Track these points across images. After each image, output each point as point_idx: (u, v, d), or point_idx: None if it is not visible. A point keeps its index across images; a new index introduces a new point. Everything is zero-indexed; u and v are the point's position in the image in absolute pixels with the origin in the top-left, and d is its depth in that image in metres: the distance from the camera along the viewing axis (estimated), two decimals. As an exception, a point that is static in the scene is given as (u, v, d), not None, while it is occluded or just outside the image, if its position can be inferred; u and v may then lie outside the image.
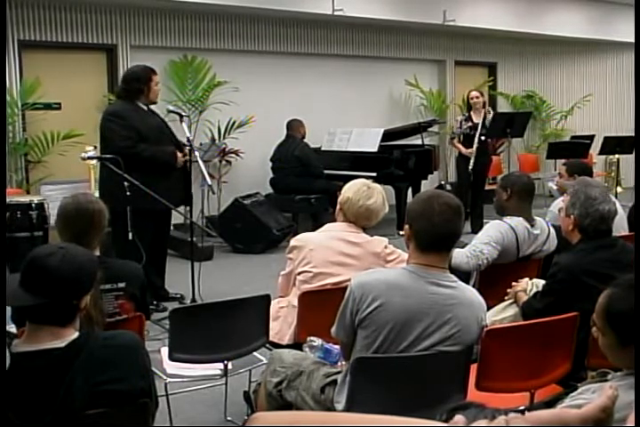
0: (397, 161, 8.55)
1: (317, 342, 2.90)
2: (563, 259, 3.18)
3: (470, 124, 8.47)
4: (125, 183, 4.76)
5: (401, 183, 8.60)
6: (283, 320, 3.46)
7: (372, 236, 3.51)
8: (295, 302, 3.37)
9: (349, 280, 2.63)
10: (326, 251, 3.40)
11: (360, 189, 3.46)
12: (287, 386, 2.82)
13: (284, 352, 3.02)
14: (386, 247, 3.47)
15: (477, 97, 8.54)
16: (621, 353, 1.79)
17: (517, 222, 3.92)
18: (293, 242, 3.50)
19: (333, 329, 2.62)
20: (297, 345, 3.24)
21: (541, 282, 3.39)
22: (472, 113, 8.56)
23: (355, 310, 2.49)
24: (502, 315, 3.40)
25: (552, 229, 4.04)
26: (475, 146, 8.29)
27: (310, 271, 3.40)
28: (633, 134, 10.73)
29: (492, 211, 4.35)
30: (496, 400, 2.71)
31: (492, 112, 8.73)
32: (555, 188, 5.37)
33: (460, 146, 8.53)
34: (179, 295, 5.71)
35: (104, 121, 5.38)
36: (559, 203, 4.33)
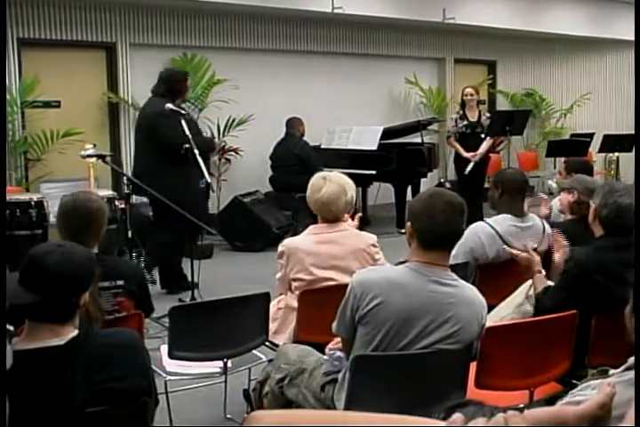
0: (397, 159, 8.54)
1: (339, 354, 2.79)
2: (577, 254, 3.15)
3: (466, 122, 8.15)
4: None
5: (400, 181, 8.59)
6: (281, 323, 3.44)
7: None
8: (293, 304, 3.35)
9: (346, 282, 2.62)
10: (317, 257, 3.34)
11: (313, 184, 3.38)
12: (289, 383, 2.83)
13: (289, 348, 3.03)
14: (374, 246, 3.42)
15: (472, 94, 8.15)
16: None
17: (501, 219, 3.85)
18: (281, 248, 3.42)
19: (334, 325, 2.62)
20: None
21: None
22: (466, 111, 8.21)
23: (355, 307, 2.49)
24: (504, 312, 3.37)
25: (547, 227, 3.98)
26: (478, 157, 8.00)
27: (304, 279, 3.35)
28: (633, 132, 10.71)
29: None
30: (495, 398, 2.70)
31: (487, 114, 8.39)
32: (554, 186, 5.37)
33: (459, 146, 8.17)
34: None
35: (158, 118, 5.46)
36: (557, 201, 4.33)
